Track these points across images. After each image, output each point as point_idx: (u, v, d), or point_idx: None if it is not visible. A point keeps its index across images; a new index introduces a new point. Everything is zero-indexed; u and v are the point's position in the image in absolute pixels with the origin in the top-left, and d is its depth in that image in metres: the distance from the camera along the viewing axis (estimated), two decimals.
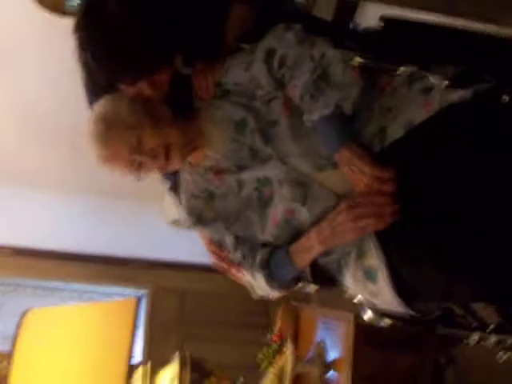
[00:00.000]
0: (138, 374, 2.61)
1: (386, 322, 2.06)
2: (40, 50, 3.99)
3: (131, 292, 4.86)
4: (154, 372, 2.63)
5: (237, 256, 2.02)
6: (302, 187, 1.88)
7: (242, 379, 2.69)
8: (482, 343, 2.22)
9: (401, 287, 1.81)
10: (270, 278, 1.96)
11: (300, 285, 2.08)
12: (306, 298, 3.41)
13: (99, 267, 4.73)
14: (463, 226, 1.74)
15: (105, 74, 1.90)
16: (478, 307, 2.14)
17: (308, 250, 1.89)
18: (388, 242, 1.80)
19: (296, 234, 1.93)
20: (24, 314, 2.62)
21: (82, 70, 1.95)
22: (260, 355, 3.01)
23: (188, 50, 2.01)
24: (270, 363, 2.95)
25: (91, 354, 2.54)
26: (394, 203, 1.77)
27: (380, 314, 2.01)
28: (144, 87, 1.92)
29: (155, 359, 2.80)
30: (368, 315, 2.05)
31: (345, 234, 1.82)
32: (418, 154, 1.79)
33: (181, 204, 2.11)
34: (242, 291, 2.09)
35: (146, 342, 4.40)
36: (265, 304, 2.79)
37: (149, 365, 2.61)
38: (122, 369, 2.52)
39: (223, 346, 4.25)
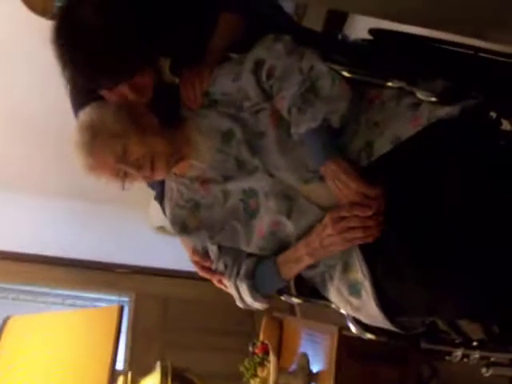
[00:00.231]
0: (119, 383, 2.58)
1: (369, 336, 2.05)
2: (28, 52, 3.96)
3: (114, 298, 4.83)
4: (134, 381, 2.60)
5: (220, 266, 2.01)
6: (288, 200, 1.87)
7: None
8: (466, 360, 2.22)
9: (385, 303, 1.80)
10: (255, 289, 1.95)
11: (284, 298, 2.07)
12: (290, 309, 3.39)
13: (82, 272, 4.70)
14: (449, 240, 1.74)
15: (84, 79, 1.89)
16: (462, 323, 2.14)
17: (296, 262, 1.88)
18: (373, 256, 1.79)
19: (282, 246, 1.93)
20: (5, 322, 2.59)
21: (64, 78, 1.93)
22: (242, 367, 3.00)
23: (173, 55, 1.99)
24: (253, 375, 2.94)
25: (73, 361, 2.51)
26: (379, 216, 1.75)
27: (363, 328, 2.00)
28: (125, 91, 1.90)
29: (137, 367, 2.78)
30: (354, 328, 2.04)
31: (332, 247, 1.81)
32: (405, 169, 1.79)
33: (165, 213, 2.10)
34: (227, 298, 2.08)
35: (128, 350, 4.37)
36: (250, 312, 2.78)
37: (129, 374, 2.58)
38: (104, 376, 2.49)
39: (207, 354, 4.23)
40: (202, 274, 2.06)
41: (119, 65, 1.84)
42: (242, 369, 2.97)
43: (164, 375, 2.49)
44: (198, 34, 2.00)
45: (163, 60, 2.02)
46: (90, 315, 2.83)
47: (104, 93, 1.91)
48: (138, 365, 2.88)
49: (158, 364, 2.53)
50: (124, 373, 2.56)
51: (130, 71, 1.87)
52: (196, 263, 2.08)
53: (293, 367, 2.75)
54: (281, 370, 2.65)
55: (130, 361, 4.13)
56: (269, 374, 2.69)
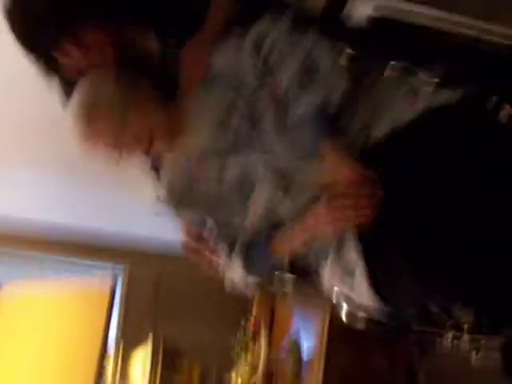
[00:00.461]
0: (111, 355, 2.59)
1: (361, 315, 2.05)
2: None
3: (109, 265, 4.84)
4: (126, 353, 2.60)
5: (214, 240, 2.00)
6: (285, 177, 1.87)
7: (214, 368, 2.68)
8: (456, 342, 2.22)
9: (378, 285, 1.81)
10: (249, 265, 1.95)
11: (276, 274, 2.08)
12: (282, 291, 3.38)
13: (76, 240, 4.69)
14: (448, 240, 1.73)
15: (28, 43, 1.86)
16: (454, 306, 2.13)
17: (291, 239, 1.89)
18: (368, 242, 1.79)
19: (277, 223, 1.92)
20: None
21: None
22: (234, 341, 3.01)
23: (157, 22, 1.96)
24: (244, 350, 2.95)
25: (66, 337, 2.51)
26: (373, 199, 1.75)
27: (355, 307, 2.01)
28: (73, 50, 1.86)
29: (129, 340, 2.79)
30: (344, 310, 2.04)
31: (326, 225, 1.82)
32: (403, 155, 1.78)
33: (161, 184, 2.10)
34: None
35: (121, 321, 4.38)
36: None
37: (121, 345, 2.59)
38: (96, 351, 2.49)
39: (199, 327, 4.24)
40: (192, 256, 2.06)
41: (52, 15, 1.81)
42: (235, 343, 2.99)
43: (156, 347, 2.49)
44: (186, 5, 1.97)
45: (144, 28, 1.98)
46: (83, 289, 2.82)
47: (55, 54, 1.87)
48: (130, 337, 2.88)
49: (150, 336, 2.54)
50: (117, 345, 2.56)
51: (65, 26, 1.83)
52: (189, 236, 2.07)
53: (284, 345, 2.76)
54: (272, 346, 2.65)
55: (123, 332, 4.13)
56: (260, 348, 2.70)
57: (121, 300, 4.53)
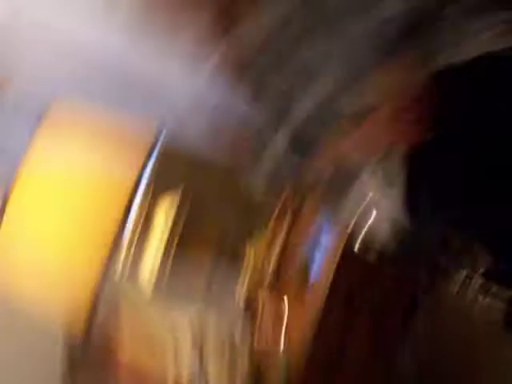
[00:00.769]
0: (139, 195, 2.47)
1: (375, 247, 2.14)
2: None
3: None
4: (155, 197, 2.53)
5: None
6: (359, 71, 1.70)
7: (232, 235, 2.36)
8: (468, 281, 2.61)
9: (412, 200, 1.86)
10: (294, 148, 1.85)
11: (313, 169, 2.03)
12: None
13: None
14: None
15: None
16: (476, 244, 2.33)
17: (342, 141, 1.82)
18: (416, 159, 1.85)
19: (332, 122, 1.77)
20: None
21: None
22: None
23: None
24: (265, 227, 2.47)
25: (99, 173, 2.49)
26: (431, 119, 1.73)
27: (382, 221, 2.02)
28: None
29: (159, 186, 2.64)
30: (360, 237, 2.10)
31: (383, 133, 1.79)
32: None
33: None
34: None
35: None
36: None
37: (151, 188, 2.60)
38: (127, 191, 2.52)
39: None
40: None
41: None
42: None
43: (183, 199, 2.49)
44: None
45: None
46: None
47: None
48: (161, 184, 2.62)
49: (181, 186, 2.55)
50: (148, 185, 2.50)
51: None
52: None
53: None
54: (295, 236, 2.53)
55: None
56: (280, 230, 2.58)
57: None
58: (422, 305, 2.52)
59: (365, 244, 1.95)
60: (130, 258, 2.18)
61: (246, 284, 2.44)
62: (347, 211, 2.00)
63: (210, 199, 2.65)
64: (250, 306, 2.42)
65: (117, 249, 2.11)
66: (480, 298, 2.48)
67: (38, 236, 2.15)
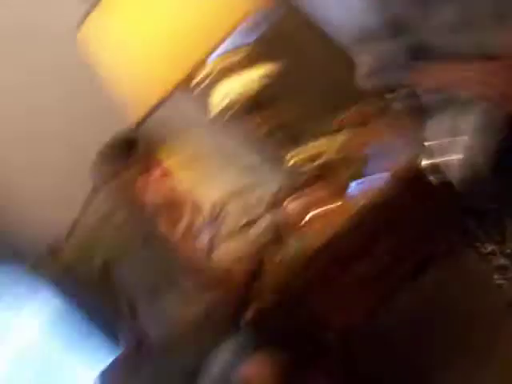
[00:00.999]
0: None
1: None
2: None
3: None
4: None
5: None
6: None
7: None
8: (490, 257, 2.64)
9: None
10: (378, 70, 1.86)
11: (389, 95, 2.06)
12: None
13: None
14: None
15: None
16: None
17: (428, 75, 1.78)
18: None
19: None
20: None
21: None
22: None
23: None
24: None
25: None
26: None
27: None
28: None
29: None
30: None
31: (474, 83, 1.71)
32: None
33: None
34: None
35: None
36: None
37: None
38: None
39: None
40: None
41: None
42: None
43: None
44: None
45: None
46: None
47: None
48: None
49: None
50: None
51: None
52: None
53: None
54: None
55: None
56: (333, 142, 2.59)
57: None
58: (434, 266, 2.54)
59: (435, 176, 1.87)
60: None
61: (299, 155, 2.58)
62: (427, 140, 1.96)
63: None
64: (294, 176, 2.60)
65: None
66: (496, 276, 2.47)
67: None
